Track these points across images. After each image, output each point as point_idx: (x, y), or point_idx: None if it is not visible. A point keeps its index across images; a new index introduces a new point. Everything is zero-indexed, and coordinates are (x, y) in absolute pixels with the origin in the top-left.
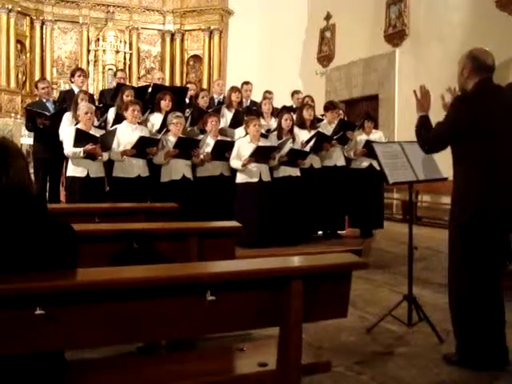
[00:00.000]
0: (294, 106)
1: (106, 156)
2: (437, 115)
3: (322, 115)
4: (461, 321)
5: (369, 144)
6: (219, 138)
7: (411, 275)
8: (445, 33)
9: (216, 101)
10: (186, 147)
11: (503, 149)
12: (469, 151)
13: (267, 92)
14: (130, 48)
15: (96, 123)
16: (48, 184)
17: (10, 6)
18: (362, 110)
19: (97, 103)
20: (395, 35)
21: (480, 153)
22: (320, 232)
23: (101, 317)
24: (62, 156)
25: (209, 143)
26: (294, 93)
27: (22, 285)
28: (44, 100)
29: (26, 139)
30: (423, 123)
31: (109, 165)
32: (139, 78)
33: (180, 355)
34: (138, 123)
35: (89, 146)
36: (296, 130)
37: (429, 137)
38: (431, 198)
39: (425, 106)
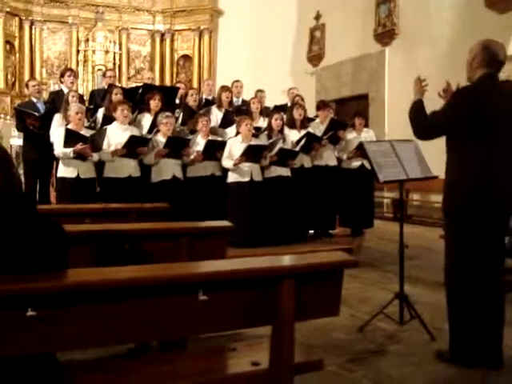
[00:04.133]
0: (289, 104)
1: (96, 156)
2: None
3: (316, 116)
4: (456, 317)
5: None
6: (210, 137)
7: (402, 273)
8: (434, 31)
9: (204, 100)
10: (176, 147)
11: (497, 144)
12: (461, 143)
13: (259, 91)
14: (120, 48)
15: (86, 124)
16: (38, 185)
17: None
18: (352, 109)
19: (87, 104)
20: (385, 34)
21: (471, 145)
22: (311, 231)
23: (93, 318)
24: (52, 157)
25: (199, 143)
26: (290, 89)
27: (13, 286)
28: (34, 100)
29: (15, 140)
30: (419, 107)
31: (99, 166)
32: (129, 79)
33: (172, 356)
34: (128, 123)
35: (79, 146)
36: (286, 130)
37: (424, 123)
38: (421, 197)
39: (420, 91)
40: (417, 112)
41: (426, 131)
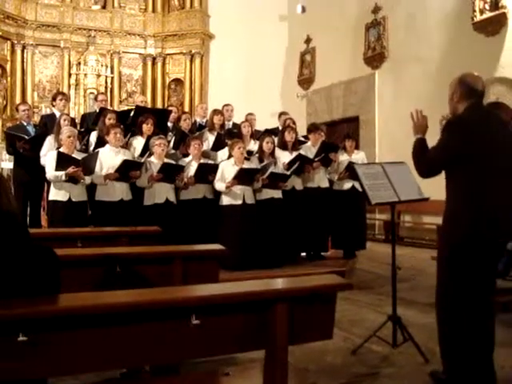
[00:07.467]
0: (280, 128)
1: (88, 180)
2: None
3: (305, 137)
4: (449, 341)
5: (350, 165)
6: (202, 160)
7: (395, 295)
8: (423, 55)
9: (198, 124)
10: (171, 172)
11: (493, 171)
12: (460, 173)
13: (249, 114)
14: (112, 72)
15: (78, 147)
16: (29, 208)
17: None
18: (342, 132)
19: (78, 127)
20: (375, 58)
21: (470, 175)
22: (303, 253)
23: (84, 343)
24: (43, 180)
25: (192, 166)
26: (281, 114)
27: (4, 311)
28: (25, 123)
29: (6, 163)
30: (420, 147)
31: (91, 189)
32: (121, 102)
33: (164, 380)
34: (121, 147)
35: (71, 169)
36: (277, 151)
37: (424, 162)
38: (413, 218)
39: (421, 129)
40: (420, 152)
41: (428, 169)
